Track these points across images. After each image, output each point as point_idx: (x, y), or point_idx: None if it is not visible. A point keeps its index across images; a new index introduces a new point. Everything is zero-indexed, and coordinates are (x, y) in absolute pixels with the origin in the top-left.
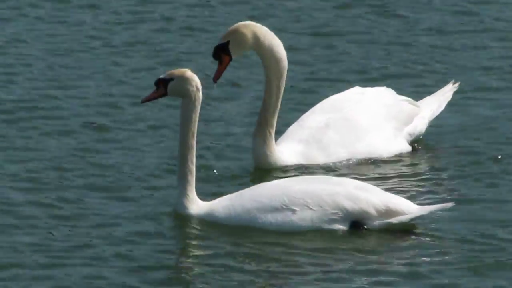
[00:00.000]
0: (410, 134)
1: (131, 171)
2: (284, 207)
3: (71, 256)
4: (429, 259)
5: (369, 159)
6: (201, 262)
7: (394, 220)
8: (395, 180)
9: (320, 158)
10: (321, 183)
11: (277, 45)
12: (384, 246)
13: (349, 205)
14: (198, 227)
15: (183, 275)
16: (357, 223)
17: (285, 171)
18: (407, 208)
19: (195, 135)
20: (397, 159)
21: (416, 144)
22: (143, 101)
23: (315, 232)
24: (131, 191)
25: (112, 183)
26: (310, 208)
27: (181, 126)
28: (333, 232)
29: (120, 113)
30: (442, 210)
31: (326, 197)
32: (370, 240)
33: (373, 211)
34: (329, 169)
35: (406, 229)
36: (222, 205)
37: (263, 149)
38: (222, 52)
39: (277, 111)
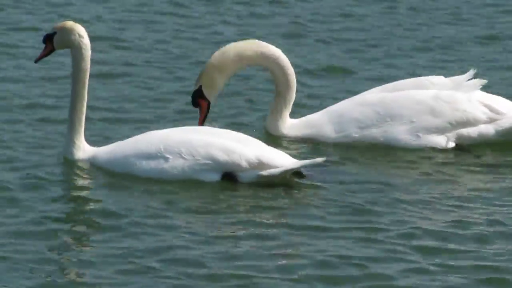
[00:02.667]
0: (461, 136)
1: (22, 119)
2: (159, 154)
3: None
4: (298, 211)
5: (385, 145)
6: (77, 206)
7: (265, 172)
8: (393, 172)
9: (330, 132)
10: (201, 133)
11: (251, 55)
12: (255, 196)
13: (221, 156)
14: (82, 172)
15: (60, 217)
16: (229, 174)
17: (292, 140)
18: (280, 162)
19: (86, 85)
20: (417, 154)
21: (467, 149)
22: (36, 60)
23: (189, 181)
24: (22, 137)
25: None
26: (183, 157)
27: (72, 76)
28: (205, 182)
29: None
30: (313, 164)
31: (200, 148)
32: (241, 190)
33: (244, 163)
34: (337, 146)
35: (282, 183)
36: (106, 150)
37: (272, 117)
38: (199, 98)
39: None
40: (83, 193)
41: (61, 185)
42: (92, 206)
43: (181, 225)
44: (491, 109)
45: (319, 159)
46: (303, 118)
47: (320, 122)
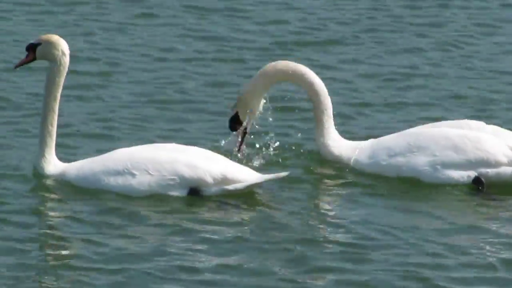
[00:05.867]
0: (480, 175)
1: None
2: (126, 171)
3: None
4: (266, 226)
5: (407, 176)
6: (44, 220)
7: (230, 187)
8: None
9: (364, 158)
10: (167, 150)
11: (282, 75)
12: (220, 212)
13: (186, 172)
14: (51, 187)
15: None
16: (195, 190)
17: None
18: (244, 177)
19: (58, 99)
20: (438, 188)
21: (485, 189)
22: (16, 67)
23: (157, 196)
24: None
25: None
26: (149, 173)
27: (46, 89)
28: (172, 197)
29: None
30: (276, 179)
31: (166, 164)
32: (207, 205)
33: (209, 179)
34: (365, 174)
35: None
36: (75, 166)
37: (320, 138)
38: (236, 123)
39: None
40: (52, 207)
41: (30, 198)
42: (60, 220)
43: (148, 239)
44: None
45: (283, 174)
46: (355, 142)
47: (363, 147)
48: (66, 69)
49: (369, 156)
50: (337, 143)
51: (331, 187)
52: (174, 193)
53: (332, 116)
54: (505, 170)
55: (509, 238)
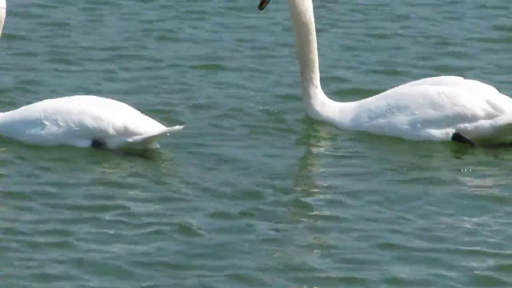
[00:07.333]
0: (459, 131)
1: None
2: (38, 121)
3: None
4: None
5: (389, 136)
6: None
7: (130, 139)
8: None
9: (347, 120)
10: (80, 102)
11: None
12: (120, 161)
13: (90, 123)
14: None
15: None
16: (98, 141)
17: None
18: (145, 129)
19: None
20: (414, 145)
21: (470, 141)
22: None
23: (64, 147)
24: None
25: None
26: (58, 124)
27: None
28: (76, 147)
29: None
30: (171, 132)
31: (74, 115)
32: (108, 156)
33: (111, 131)
34: (349, 133)
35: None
36: (2, 116)
37: (305, 98)
38: None
39: (312, 65)
40: None
41: None
42: None
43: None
44: (492, 106)
45: (178, 127)
46: (340, 104)
47: (347, 109)
48: (2, 23)
49: (353, 118)
50: (325, 106)
51: (319, 148)
52: (79, 143)
53: (317, 67)
54: (483, 123)
55: None
